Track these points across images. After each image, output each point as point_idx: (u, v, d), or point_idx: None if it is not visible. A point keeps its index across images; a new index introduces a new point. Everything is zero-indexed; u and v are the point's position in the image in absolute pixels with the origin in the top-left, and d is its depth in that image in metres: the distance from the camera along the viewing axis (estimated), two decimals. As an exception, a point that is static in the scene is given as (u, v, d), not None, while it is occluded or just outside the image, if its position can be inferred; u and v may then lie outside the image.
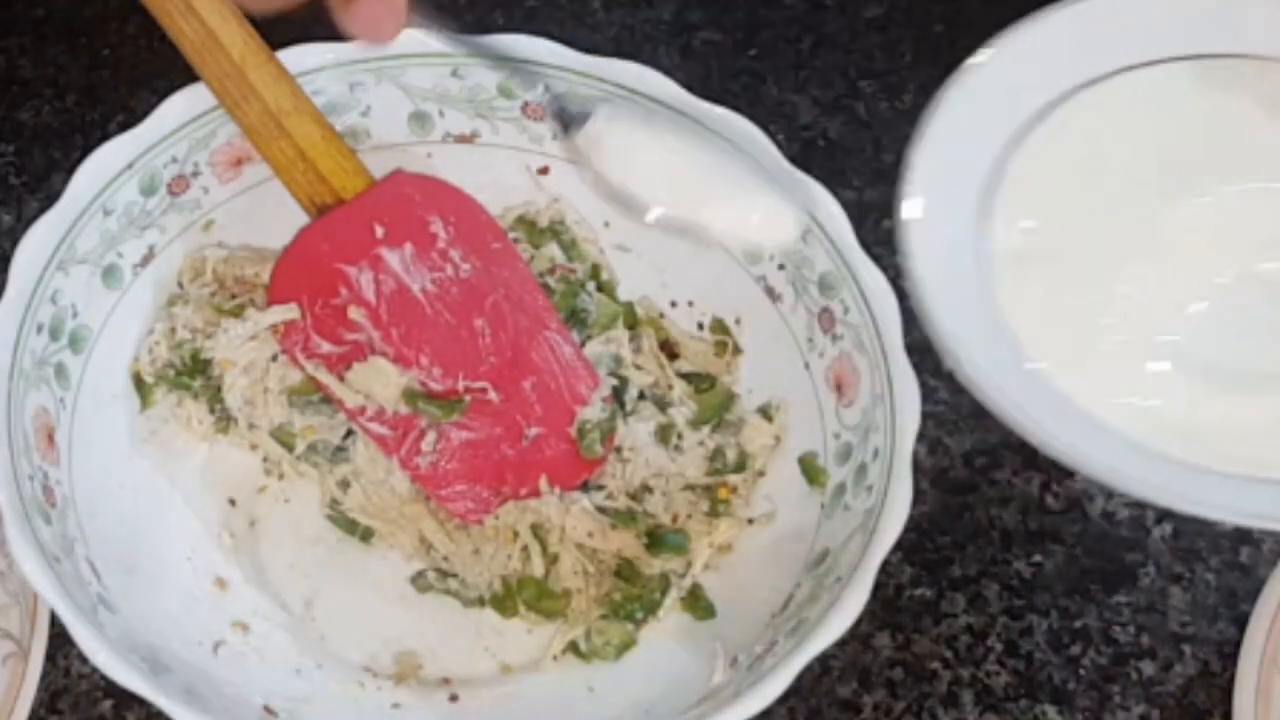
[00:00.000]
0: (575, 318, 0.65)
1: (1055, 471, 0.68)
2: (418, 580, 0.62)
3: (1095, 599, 0.65)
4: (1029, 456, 0.68)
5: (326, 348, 0.62)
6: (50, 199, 0.73)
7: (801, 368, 0.62)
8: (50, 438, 0.58)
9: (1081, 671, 0.64)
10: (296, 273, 0.62)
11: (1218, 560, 0.66)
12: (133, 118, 0.76)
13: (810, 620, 0.55)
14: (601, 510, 0.62)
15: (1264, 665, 0.61)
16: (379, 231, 0.61)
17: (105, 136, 0.75)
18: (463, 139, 0.65)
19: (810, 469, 0.61)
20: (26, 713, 0.59)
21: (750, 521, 0.62)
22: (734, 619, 0.60)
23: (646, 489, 0.63)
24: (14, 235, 0.73)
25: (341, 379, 0.62)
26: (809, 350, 0.62)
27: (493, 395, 0.62)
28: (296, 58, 0.63)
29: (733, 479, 0.63)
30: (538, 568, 0.61)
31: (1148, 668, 0.64)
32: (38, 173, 0.75)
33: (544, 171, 0.66)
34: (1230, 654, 0.63)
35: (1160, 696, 0.63)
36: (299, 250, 0.62)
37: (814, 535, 0.59)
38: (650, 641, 0.61)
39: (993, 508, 0.67)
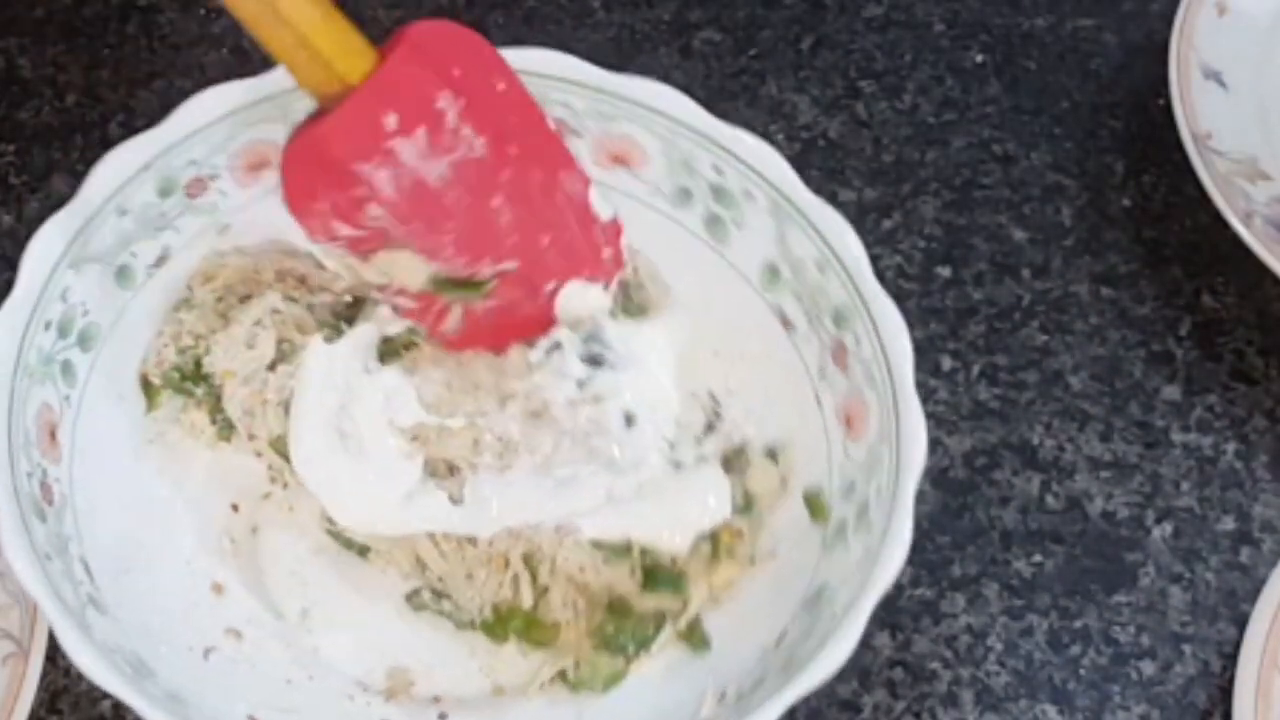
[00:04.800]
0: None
1: (1055, 471, 0.68)
2: (413, 598, 0.62)
3: (1095, 599, 0.65)
4: (1029, 456, 0.68)
5: (347, 231, 0.59)
6: (50, 199, 0.74)
7: (813, 400, 0.62)
8: (53, 435, 0.58)
9: (1081, 671, 0.64)
10: (309, 173, 0.59)
11: (1218, 560, 0.66)
12: (132, 117, 0.76)
13: (801, 658, 0.54)
14: (597, 545, 0.61)
15: (1264, 665, 0.61)
16: (390, 122, 0.58)
17: (105, 136, 0.76)
18: None
19: (814, 504, 0.61)
20: (26, 713, 0.59)
21: (752, 562, 0.62)
22: (727, 652, 0.60)
23: None
24: (14, 235, 0.73)
25: (365, 261, 0.60)
26: (820, 382, 0.61)
27: (514, 267, 0.61)
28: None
29: (737, 522, 0.62)
30: (526, 599, 0.61)
31: (1148, 668, 0.64)
32: (38, 173, 0.75)
33: None
34: (1230, 654, 0.63)
35: (1160, 696, 0.63)
36: (308, 150, 0.59)
37: (813, 571, 0.59)
38: (641, 672, 0.60)
39: (993, 508, 0.67)
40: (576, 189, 0.62)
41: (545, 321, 0.62)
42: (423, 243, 0.60)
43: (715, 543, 0.62)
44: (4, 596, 0.61)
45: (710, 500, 0.61)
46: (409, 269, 0.60)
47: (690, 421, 0.64)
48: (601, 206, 0.62)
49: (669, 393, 0.64)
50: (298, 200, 0.60)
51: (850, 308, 0.60)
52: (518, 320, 0.62)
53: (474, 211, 0.60)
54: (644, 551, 0.61)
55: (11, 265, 0.70)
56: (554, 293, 0.62)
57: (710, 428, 0.64)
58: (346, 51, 0.58)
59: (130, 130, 0.75)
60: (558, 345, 0.62)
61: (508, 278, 0.61)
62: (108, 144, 0.74)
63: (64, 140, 0.76)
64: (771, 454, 0.63)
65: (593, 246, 0.62)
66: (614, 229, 0.63)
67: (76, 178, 0.74)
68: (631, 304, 0.65)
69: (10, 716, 0.58)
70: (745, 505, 0.62)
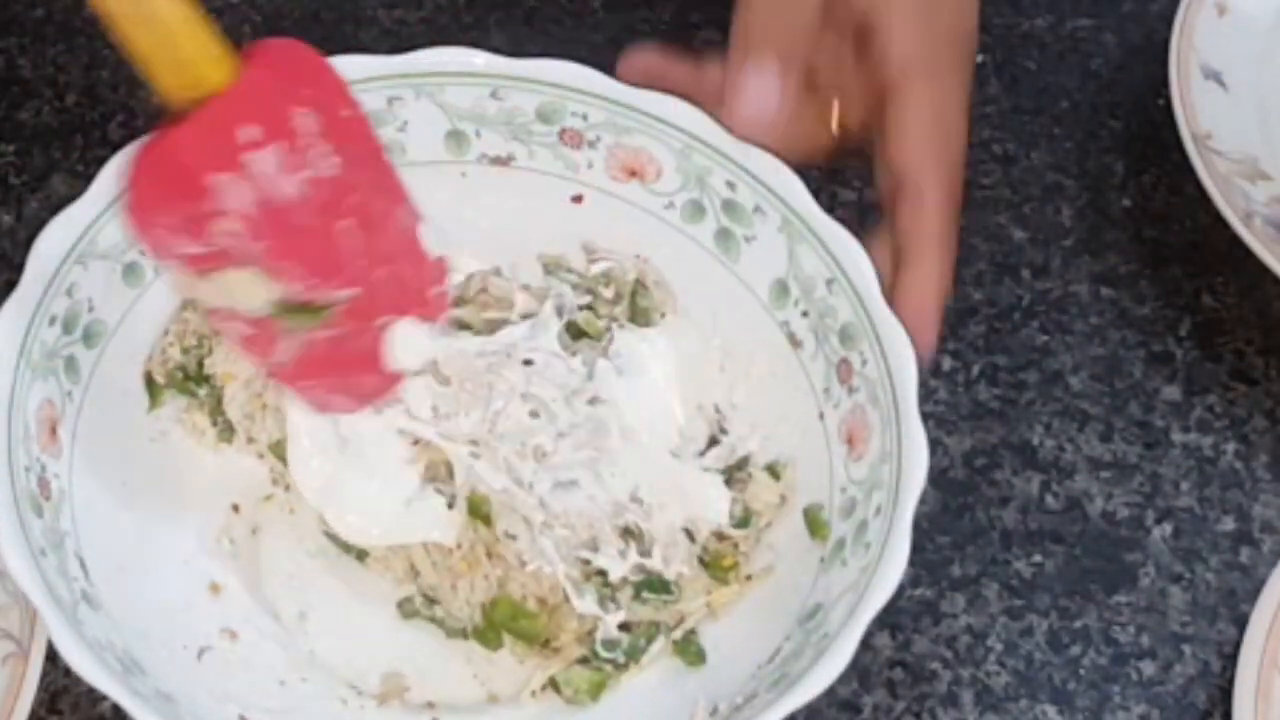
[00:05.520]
0: None
1: (1055, 471, 0.68)
2: (404, 605, 0.62)
3: (1095, 599, 0.65)
4: (1029, 456, 0.68)
5: (191, 248, 0.56)
6: (50, 199, 0.74)
7: (816, 417, 0.61)
8: (53, 430, 0.58)
9: (1081, 671, 0.64)
10: (159, 183, 0.56)
11: (1218, 560, 0.66)
12: (132, 117, 0.76)
13: (791, 676, 0.54)
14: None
15: (1264, 665, 0.61)
16: (248, 133, 0.55)
17: (105, 136, 0.76)
18: (499, 161, 0.65)
19: (814, 521, 0.60)
20: (26, 713, 0.59)
21: (749, 578, 0.62)
22: (722, 667, 0.60)
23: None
24: (14, 235, 0.73)
25: (204, 280, 0.57)
26: (825, 400, 0.61)
27: (357, 294, 0.59)
28: (337, 69, 0.62)
29: (735, 533, 0.62)
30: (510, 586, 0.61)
31: (1148, 668, 0.64)
32: (37, 173, 0.75)
33: (578, 200, 0.65)
34: (1230, 654, 0.63)
35: (1160, 696, 0.63)
36: (161, 157, 0.56)
37: (810, 588, 0.58)
38: (635, 683, 0.60)
39: (993, 508, 0.67)
40: (411, 224, 0.60)
41: (376, 363, 0.60)
42: (270, 262, 0.57)
43: (715, 566, 0.61)
44: (4, 596, 0.61)
45: (708, 505, 0.62)
46: (251, 290, 0.57)
47: (695, 434, 0.64)
48: (431, 244, 0.61)
49: (671, 403, 0.64)
50: (144, 212, 0.56)
51: (858, 327, 0.59)
52: (349, 357, 0.60)
53: (323, 233, 0.57)
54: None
55: (11, 265, 0.71)
56: (384, 328, 0.60)
57: (714, 441, 0.64)
58: (209, 57, 0.55)
59: (130, 130, 0.75)
60: (531, 360, 0.63)
61: (345, 308, 0.59)
62: (108, 144, 0.75)
63: (64, 140, 0.76)
64: (773, 470, 0.63)
65: (423, 283, 0.61)
66: (440, 268, 0.62)
67: (76, 178, 0.74)
68: (637, 309, 0.65)
69: (10, 716, 0.58)
70: (743, 519, 0.62)
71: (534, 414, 0.62)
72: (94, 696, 0.62)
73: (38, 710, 0.60)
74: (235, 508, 0.63)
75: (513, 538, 0.60)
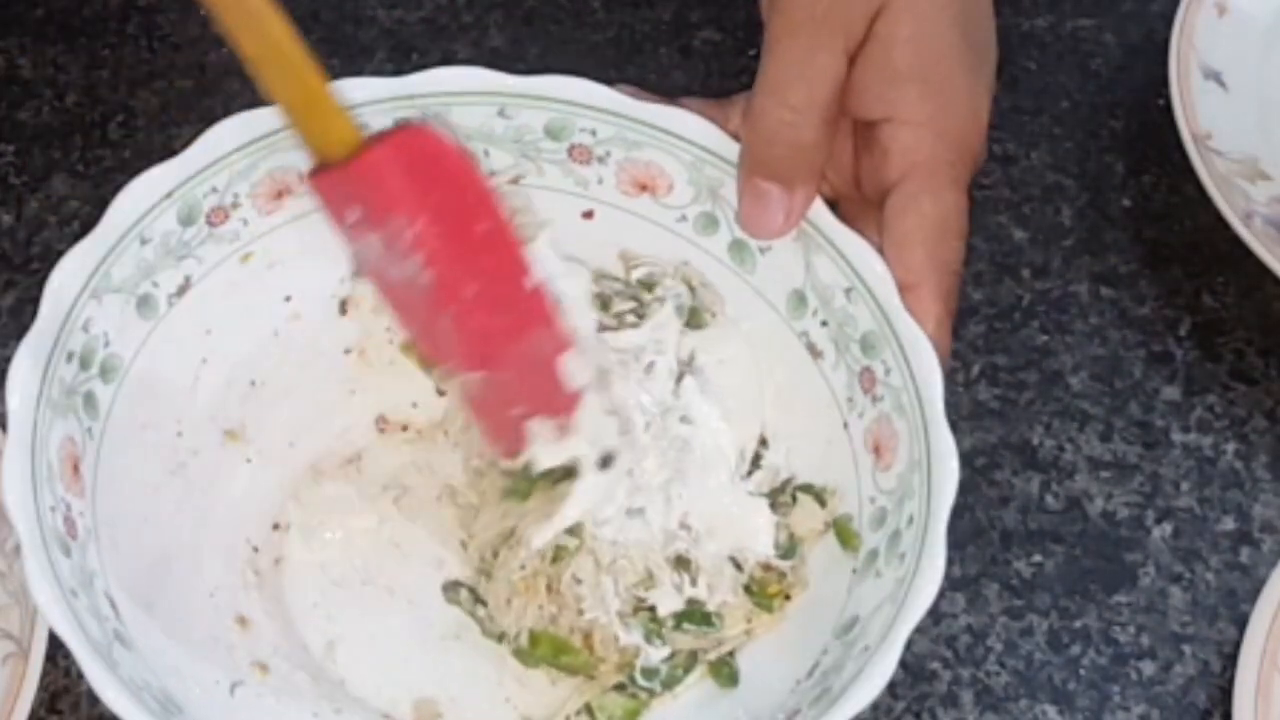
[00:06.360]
0: None
1: (1055, 471, 0.68)
2: (449, 590, 0.62)
3: (1095, 599, 0.65)
4: (1029, 456, 0.68)
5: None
6: (50, 199, 0.73)
7: (840, 427, 0.61)
8: (76, 468, 0.57)
9: (1081, 671, 0.64)
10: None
11: (1218, 560, 0.66)
12: (132, 117, 0.76)
13: (834, 690, 0.54)
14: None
15: (1264, 665, 0.61)
16: (350, 213, 0.57)
17: (105, 136, 0.76)
18: (508, 179, 0.64)
19: (844, 532, 0.60)
20: (26, 713, 0.59)
21: (788, 598, 0.61)
22: (757, 685, 0.59)
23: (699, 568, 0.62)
24: (14, 235, 0.73)
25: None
26: (849, 410, 0.61)
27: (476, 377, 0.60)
28: (342, 92, 0.62)
29: (781, 564, 0.61)
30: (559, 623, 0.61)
31: (1148, 668, 0.64)
32: (37, 173, 0.75)
33: (589, 215, 0.65)
34: (1230, 654, 0.63)
35: (1160, 696, 0.63)
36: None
37: (845, 600, 0.58)
38: (670, 708, 0.60)
39: (993, 508, 0.67)
40: (546, 348, 0.60)
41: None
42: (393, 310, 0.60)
43: (761, 594, 0.61)
44: (4, 596, 0.61)
45: (756, 535, 0.61)
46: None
47: (746, 453, 0.63)
48: (578, 373, 0.60)
49: (733, 420, 0.63)
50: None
51: (879, 335, 0.59)
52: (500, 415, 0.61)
53: (425, 322, 0.59)
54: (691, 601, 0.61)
55: (12, 265, 0.71)
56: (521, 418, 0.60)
57: (758, 459, 0.63)
58: (345, 125, 0.56)
59: (130, 130, 0.75)
60: (653, 364, 0.63)
61: (474, 385, 0.60)
62: (108, 144, 0.75)
63: (64, 140, 0.76)
64: (819, 496, 0.62)
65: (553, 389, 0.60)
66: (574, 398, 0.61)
67: (76, 178, 0.74)
68: (693, 311, 0.64)
69: (10, 716, 0.58)
70: (789, 548, 0.61)
71: (647, 426, 0.62)
72: (94, 697, 0.61)
73: (38, 710, 0.60)
74: (255, 548, 0.63)
75: (578, 581, 0.60)
